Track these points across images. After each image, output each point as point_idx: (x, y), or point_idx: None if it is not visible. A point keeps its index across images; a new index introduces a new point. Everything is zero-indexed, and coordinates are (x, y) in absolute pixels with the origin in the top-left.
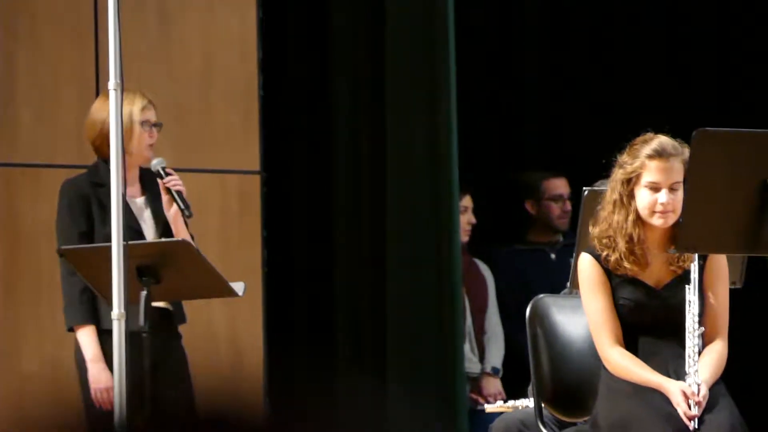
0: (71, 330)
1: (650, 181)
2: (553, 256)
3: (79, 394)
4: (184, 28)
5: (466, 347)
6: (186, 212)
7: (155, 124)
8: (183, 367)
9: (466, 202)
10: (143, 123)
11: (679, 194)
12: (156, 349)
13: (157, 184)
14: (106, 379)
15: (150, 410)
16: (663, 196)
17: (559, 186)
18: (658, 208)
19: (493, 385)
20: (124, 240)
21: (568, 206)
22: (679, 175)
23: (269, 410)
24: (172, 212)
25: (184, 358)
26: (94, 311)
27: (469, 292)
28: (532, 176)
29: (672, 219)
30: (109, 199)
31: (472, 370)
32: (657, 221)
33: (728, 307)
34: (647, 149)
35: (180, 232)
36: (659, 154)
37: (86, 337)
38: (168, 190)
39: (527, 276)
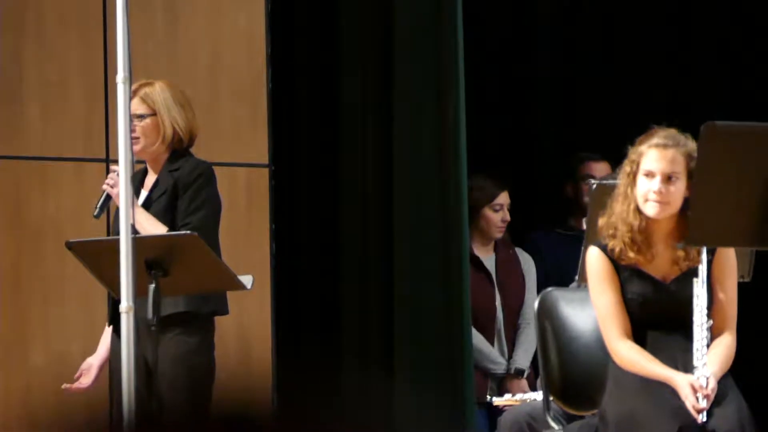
0: None
1: (646, 168)
2: None
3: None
4: (192, 23)
5: (495, 347)
6: (95, 211)
7: (137, 117)
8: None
9: (503, 198)
10: None
11: (677, 186)
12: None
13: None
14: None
15: (159, 404)
16: (655, 183)
17: (596, 169)
18: (651, 196)
19: (518, 386)
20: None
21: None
22: (677, 166)
23: (278, 404)
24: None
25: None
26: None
27: (503, 288)
28: (574, 159)
29: (665, 211)
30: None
31: (498, 371)
32: (649, 210)
33: (737, 301)
34: (649, 140)
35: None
36: (656, 143)
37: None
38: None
39: (566, 263)
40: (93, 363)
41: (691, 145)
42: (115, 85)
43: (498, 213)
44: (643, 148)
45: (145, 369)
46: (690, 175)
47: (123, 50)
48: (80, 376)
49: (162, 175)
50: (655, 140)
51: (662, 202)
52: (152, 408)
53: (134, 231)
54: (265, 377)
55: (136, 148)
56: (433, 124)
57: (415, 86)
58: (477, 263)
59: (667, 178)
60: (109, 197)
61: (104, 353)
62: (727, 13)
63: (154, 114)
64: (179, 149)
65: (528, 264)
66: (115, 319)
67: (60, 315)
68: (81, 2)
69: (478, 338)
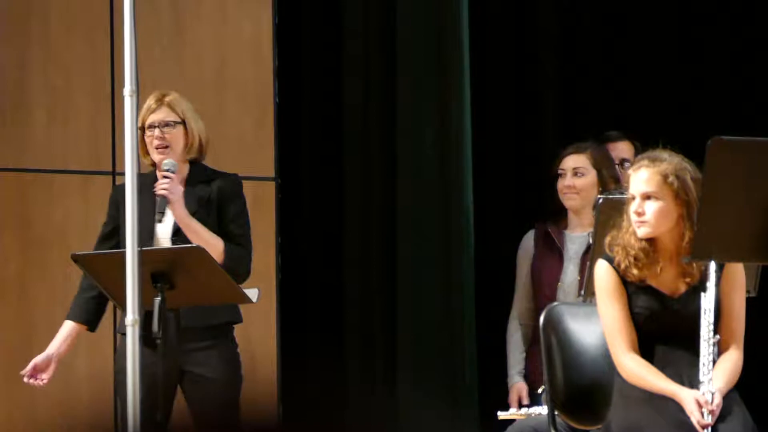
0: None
1: (630, 192)
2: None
3: (108, 399)
4: (198, 33)
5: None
6: (156, 216)
7: (167, 125)
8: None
9: (566, 163)
10: (149, 127)
11: (656, 205)
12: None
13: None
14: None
15: (165, 416)
16: (634, 204)
17: (618, 150)
18: (633, 217)
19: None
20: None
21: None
22: (651, 185)
23: (283, 416)
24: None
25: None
26: (83, 313)
27: (583, 267)
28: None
29: (647, 230)
30: (144, 200)
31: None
32: (637, 230)
33: (744, 316)
34: (633, 164)
35: (190, 235)
36: (634, 167)
37: (63, 329)
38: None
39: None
40: (52, 355)
41: (675, 162)
42: (121, 97)
43: (562, 178)
44: (629, 172)
45: (164, 381)
46: (676, 193)
47: (130, 62)
48: (35, 371)
49: (198, 187)
50: (635, 164)
51: (641, 222)
52: (158, 420)
53: (185, 240)
54: (271, 390)
55: (163, 157)
56: (438, 137)
57: (420, 98)
58: (548, 240)
59: (646, 198)
60: (165, 200)
61: (64, 348)
62: (736, 20)
63: (182, 122)
64: (197, 160)
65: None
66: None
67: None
68: (87, 11)
69: (511, 347)
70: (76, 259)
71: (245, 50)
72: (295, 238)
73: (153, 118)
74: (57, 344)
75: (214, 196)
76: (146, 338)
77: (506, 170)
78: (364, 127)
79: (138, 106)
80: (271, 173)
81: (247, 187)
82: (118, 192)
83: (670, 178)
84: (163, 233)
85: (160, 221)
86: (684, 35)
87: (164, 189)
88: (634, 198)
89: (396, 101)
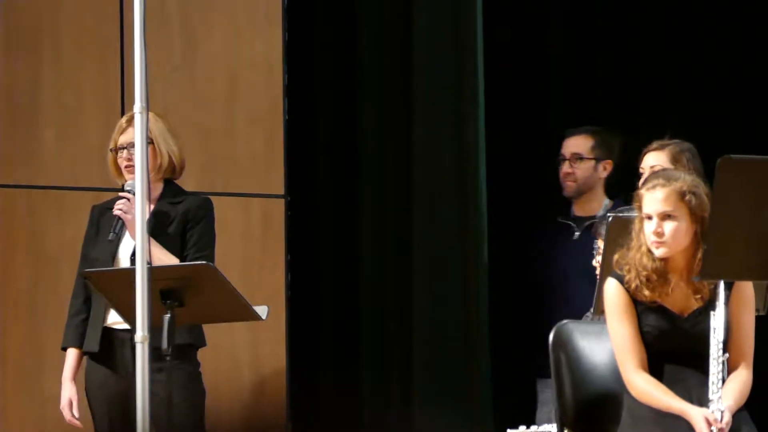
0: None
1: (645, 212)
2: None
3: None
4: (209, 51)
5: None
6: (110, 235)
7: (127, 147)
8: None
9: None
10: (119, 148)
11: (675, 225)
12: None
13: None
14: (65, 397)
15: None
16: (651, 225)
17: (570, 145)
18: (651, 237)
19: None
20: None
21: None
22: (668, 204)
23: None
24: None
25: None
26: (79, 335)
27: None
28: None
29: (666, 250)
30: (108, 222)
31: None
32: (655, 251)
33: (753, 335)
34: (645, 184)
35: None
36: (648, 186)
37: (67, 359)
38: None
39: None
40: (72, 398)
41: (690, 179)
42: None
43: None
44: (641, 192)
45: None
46: (693, 211)
47: (141, 80)
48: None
49: (163, 206)
50: (648, 183)
51: (660, 242)
52: None
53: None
54: (280, 409)
55: (132, 177)
56: (452, 151)
57: (434, 114)
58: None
59: (664, 218)
60: (122, 222)
61: (73, 385)
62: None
63: (150, 142)
64: (170, 180)
65: None
66: (104, 347)
67: None
68: (98, 29)
69: None
70: (88, 276)
71: (256, 69)
72: (304, 255)
73: (122, 139)
74: (70, 379)
75: (179, 216)
76: (102, 358)
77: (521, 185)
78: (375, 143)
79: (147, 124)
80: (281, 191)
81: (257, 205)
82: (94, 211)
83: (687, 196)
84: (124, 254)
85: (111, 240)
86: (686, 37)
87: (120, 209)
88: (650, 218)
89: (412, 117)
